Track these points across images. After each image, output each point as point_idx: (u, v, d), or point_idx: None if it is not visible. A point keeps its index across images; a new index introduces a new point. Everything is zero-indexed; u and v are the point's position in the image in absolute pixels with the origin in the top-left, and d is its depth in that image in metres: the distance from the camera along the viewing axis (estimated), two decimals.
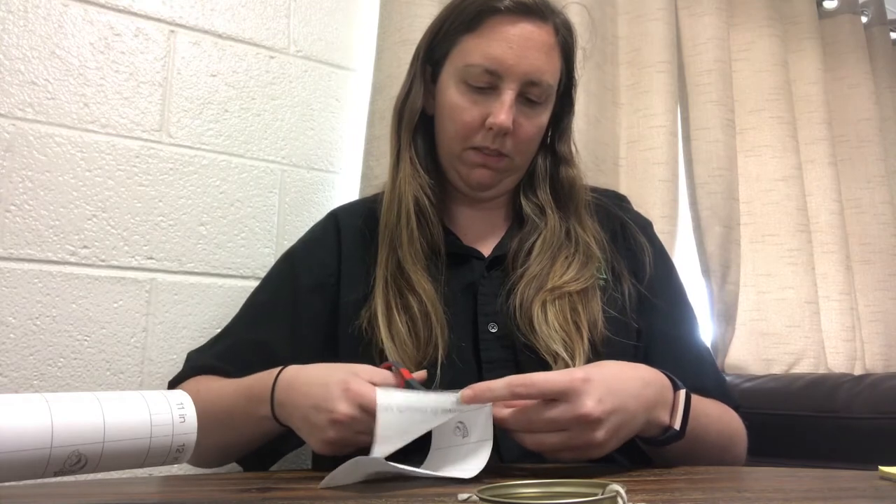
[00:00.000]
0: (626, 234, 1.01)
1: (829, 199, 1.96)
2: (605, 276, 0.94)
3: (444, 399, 0.67)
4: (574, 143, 1.03)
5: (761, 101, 1.88)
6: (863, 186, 2.12)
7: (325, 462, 0.74)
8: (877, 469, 0.66)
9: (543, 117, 0.95)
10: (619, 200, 1.07)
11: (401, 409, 0.64)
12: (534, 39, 0.91)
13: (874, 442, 1.26)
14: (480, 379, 0.85)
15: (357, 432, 0.69)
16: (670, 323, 0.96)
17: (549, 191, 1.00)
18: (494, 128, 0.90)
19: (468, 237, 0.99)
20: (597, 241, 0.96)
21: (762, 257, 1.83)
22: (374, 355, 0.86)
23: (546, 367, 0.84)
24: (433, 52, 0.98)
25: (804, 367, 1.75)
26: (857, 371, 1.89)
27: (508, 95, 0.90)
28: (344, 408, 0.68)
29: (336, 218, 1.03)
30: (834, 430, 1.32)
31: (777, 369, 1.75)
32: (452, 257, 0.94)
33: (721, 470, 0.78)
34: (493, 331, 0.89)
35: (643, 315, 0.95)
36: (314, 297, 0.95)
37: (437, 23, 0.99)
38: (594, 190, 1.05)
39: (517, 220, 1.00)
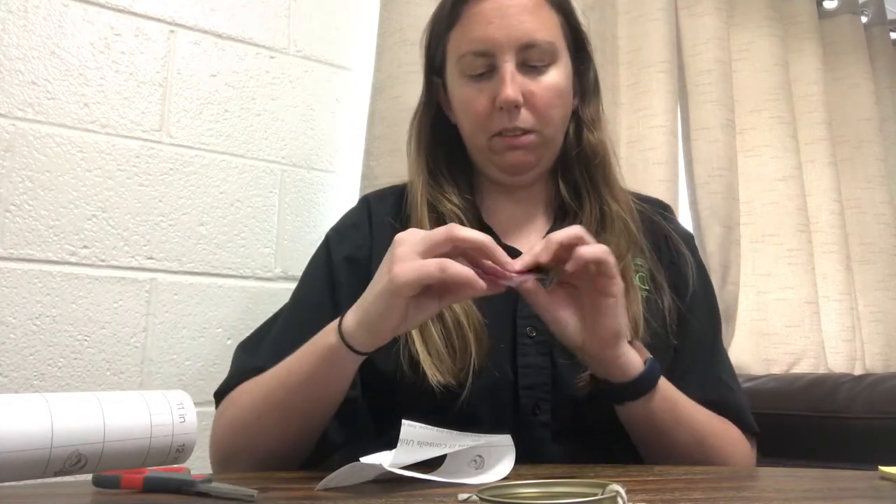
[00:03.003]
0: (669, 246, 0.97)
1: (829, 199, 1.96)
2: (647, 287, 0.91)
3: (466, 438, 0.67)
4: (601, 105, 1.00)
5: (761, 101, 1.88)
6: (863, 186, 2.12)
7: (326, 463, 0.73)
8: (877, 469, 0.66)
9: (555, 78, 0.92)
10: (663, 210, 1.04)
11: (420, 444, 0.64)
12: (512, 6, 0.89)
13: (874, 442, 1.26)
14: (516, 385, 0.85)
15: (419, 251, 0.69)
16: (702, 345, 0.95)
17: (582, 166, 0.97)
18: (504, 105, 0.88)
19: (508, 234, 0.96)
20: (631, 216, 0.93)
21: (762, 257, 1.83)
22: (401, 357, 0.83)
23: (583, 371, 0.82)
24: (433, 63, 0.98)
25: (804, 367, 1.75)
26: (857, 371, 1.89)
27: (506, 69, 0.88)
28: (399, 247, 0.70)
29: (368, 204, 1.01)
30: (834, 430, 1.32)
31: (777, 369, 1.75)
32: None
33: (721, 470, 0.78)
34: (532, 335, 0.87)
35: (679, 332, 0.92)
36: (350, 269, 0.93)
37: (426, 34, 0.99)
38: (637, 197, 1.01)
39: (559, 211, 0.98)
